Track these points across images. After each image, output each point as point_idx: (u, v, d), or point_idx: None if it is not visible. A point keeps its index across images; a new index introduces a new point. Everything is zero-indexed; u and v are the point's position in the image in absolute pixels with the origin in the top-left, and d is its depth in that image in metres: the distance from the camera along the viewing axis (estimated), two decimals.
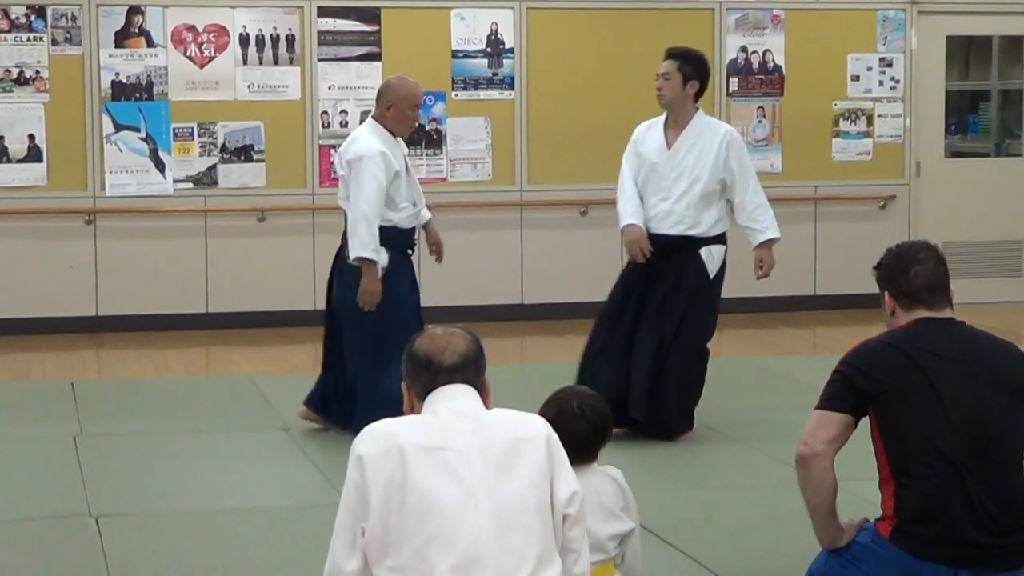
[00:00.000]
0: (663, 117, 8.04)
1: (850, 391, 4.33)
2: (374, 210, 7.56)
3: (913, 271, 4.41)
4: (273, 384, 9.37)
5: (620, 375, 7.79)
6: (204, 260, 11.45)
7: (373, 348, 7.61)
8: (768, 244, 7.99)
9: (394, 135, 7.78)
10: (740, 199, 7.93)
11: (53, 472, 7.24)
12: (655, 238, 7.88)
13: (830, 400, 4.37)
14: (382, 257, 7.62)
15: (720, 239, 7.94)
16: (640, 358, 7.83)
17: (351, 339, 7.77)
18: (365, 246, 7.54)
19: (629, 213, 7.93)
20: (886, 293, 4.48)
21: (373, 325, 7.60)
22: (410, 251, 7.90)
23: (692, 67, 7.92)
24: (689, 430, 7.90)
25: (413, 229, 7.93)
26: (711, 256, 7.90)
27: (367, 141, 7.68)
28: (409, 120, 7.84)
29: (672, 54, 8.02)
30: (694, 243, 7.87)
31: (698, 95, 7.96)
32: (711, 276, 7.90)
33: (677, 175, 7.88)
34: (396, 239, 7.74)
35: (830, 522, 4.42)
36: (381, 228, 7.61)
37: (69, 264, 11.25)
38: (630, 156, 8.06)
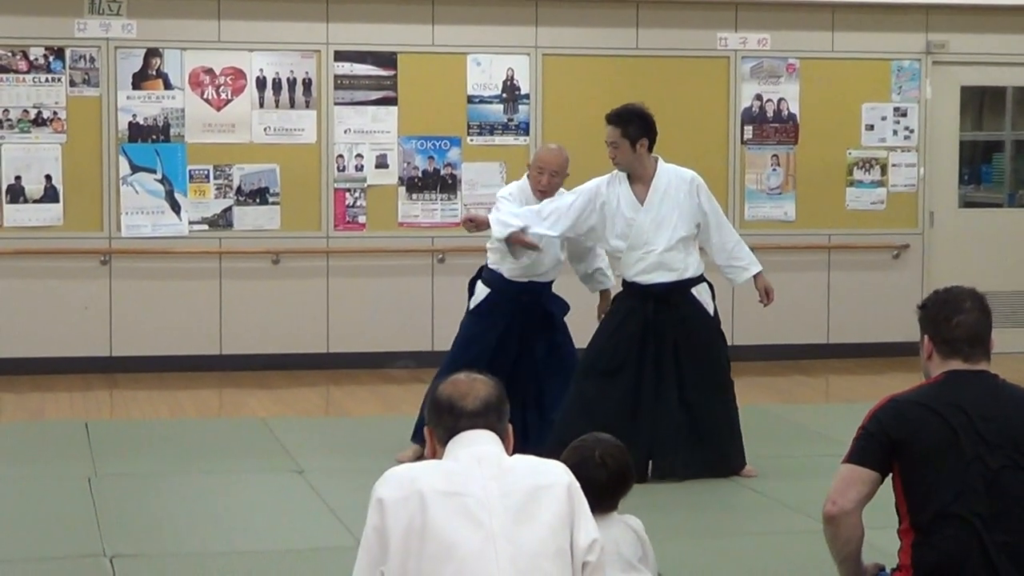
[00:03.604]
0: (623, 174, 8.08)
1: (879, 448, 4.32)
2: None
3: (955, 320, 4.39)
4: (286, 426, 9.38)
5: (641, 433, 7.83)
6: (218, 302, 11.47)
7: None
8: (760, 275, 8.15)
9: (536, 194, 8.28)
10: (718, 239, 8.08)
11: (67, 512, 7.23)
12: (650, 289, 7.94)
13: (859, 456, 4.35)
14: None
15: (703, 278, 8.05)
16: (666, 410, 7.90)
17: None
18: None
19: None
20: (926, 336, 4.46)
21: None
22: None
23: (636, 127, 7.96)
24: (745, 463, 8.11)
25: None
26: (702, 295, 8.02)
27: (506, 187, 8.59)
28: (535, 180, 8.30)
29: (612, 120, 8.04)
30: (684, 287, 7.98)
31: (651, 148, 8.02)
32: (712, 313, 8.04)
33: (656, 226, 7.95)
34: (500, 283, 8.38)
35: (856, 570, 4.41)
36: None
37: (84, 305, 11.28)
38: (581, 198, 8.08)
